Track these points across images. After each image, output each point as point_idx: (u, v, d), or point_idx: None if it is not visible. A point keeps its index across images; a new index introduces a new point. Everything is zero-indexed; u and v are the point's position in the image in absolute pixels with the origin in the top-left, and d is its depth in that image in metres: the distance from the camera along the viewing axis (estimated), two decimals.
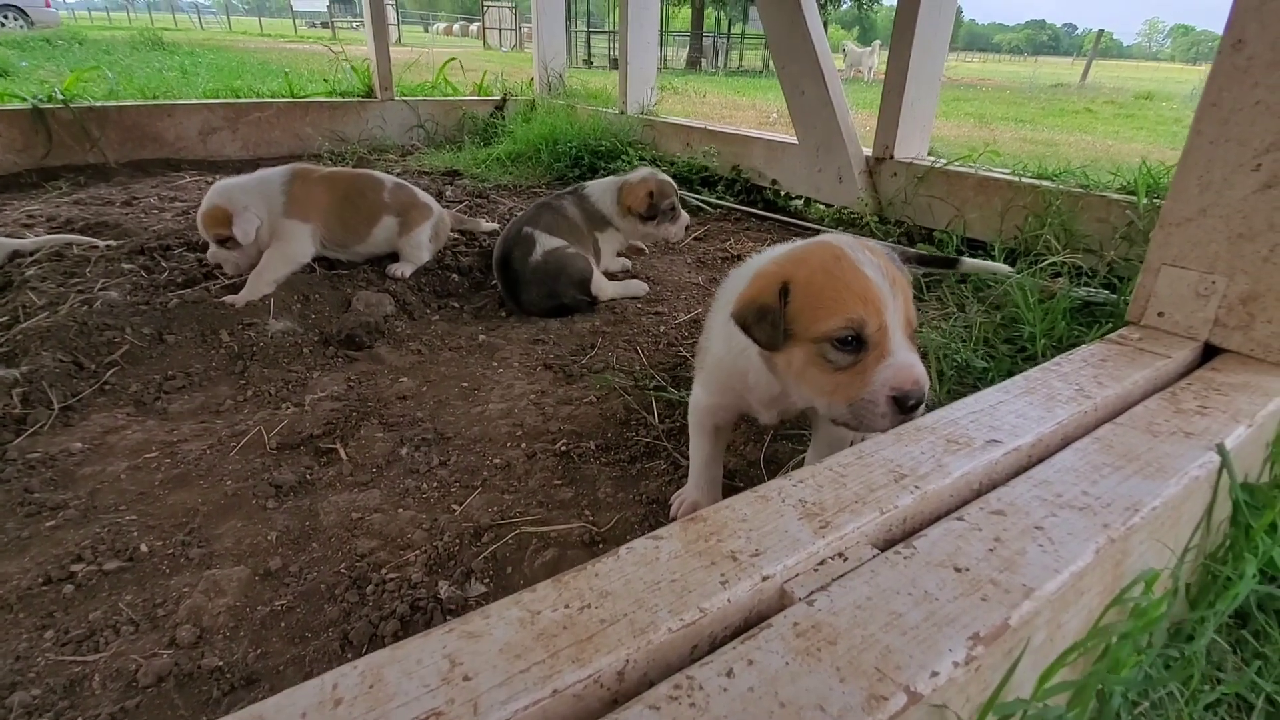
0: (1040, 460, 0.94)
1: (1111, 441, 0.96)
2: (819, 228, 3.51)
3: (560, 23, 6.48)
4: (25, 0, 20.17)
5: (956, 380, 2.14)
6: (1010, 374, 2.06)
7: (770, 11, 3.49)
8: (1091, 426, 1.02)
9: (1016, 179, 2.85)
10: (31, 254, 2.93)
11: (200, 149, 5.30)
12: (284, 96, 5.76)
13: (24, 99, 4.71)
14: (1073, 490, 0.83)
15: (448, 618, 1.36)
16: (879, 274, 1.11)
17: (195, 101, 5.35)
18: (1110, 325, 1.99)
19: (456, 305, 2.80)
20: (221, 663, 1.25)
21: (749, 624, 0.67)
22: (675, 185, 3.01)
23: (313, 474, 1.77)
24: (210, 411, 2.04)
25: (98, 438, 1.88)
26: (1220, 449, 0.94)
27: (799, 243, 1.33)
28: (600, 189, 3.00)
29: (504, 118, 6.14)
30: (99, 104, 4.95)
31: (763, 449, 1.88)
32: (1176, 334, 1.33)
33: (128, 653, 1.26)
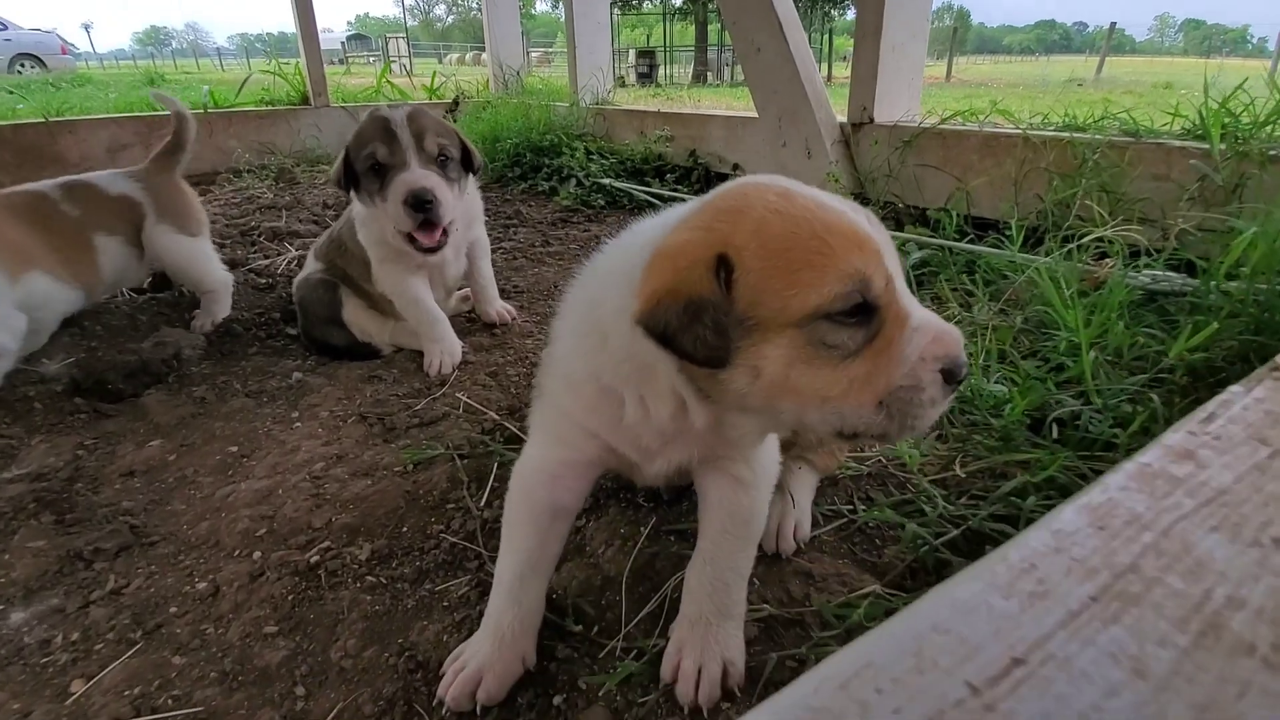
0: None
1: None
2: None
3: (515, 18, 5.89)
4: (42, 49, 20.43)
5: (959, 414, 1.40)
6: (1045, 408, 1.32)
7: None
8: None
9: (1035, 134, 2.11)
10: None
11: (108, 166, 4.75)
12: (204, 108, 5.21)
13: None
14: None
15: None
16: (845, 205, 0.78)
17: (101, 117, 4.83)
18: (1204, 324, 1.23)
19: (293, 332, 2.12)
20: None
21: None
22: (408, 122, 1.68)
23: None
24: None
25: None
26: None
27: (709, 195, 0.85)
28: None
29: (455, 120, 5.53)
30: None
31: (632, 554, 1.15)
32: None
33: None
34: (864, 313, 0.74)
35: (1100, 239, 1.69)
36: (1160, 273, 1.54)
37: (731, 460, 0.95)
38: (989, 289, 1.81)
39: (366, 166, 1.68)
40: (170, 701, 0.93)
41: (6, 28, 20.02)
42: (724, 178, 3.32)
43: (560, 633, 1.02)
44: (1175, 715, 0.25)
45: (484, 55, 6.40)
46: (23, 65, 20.54)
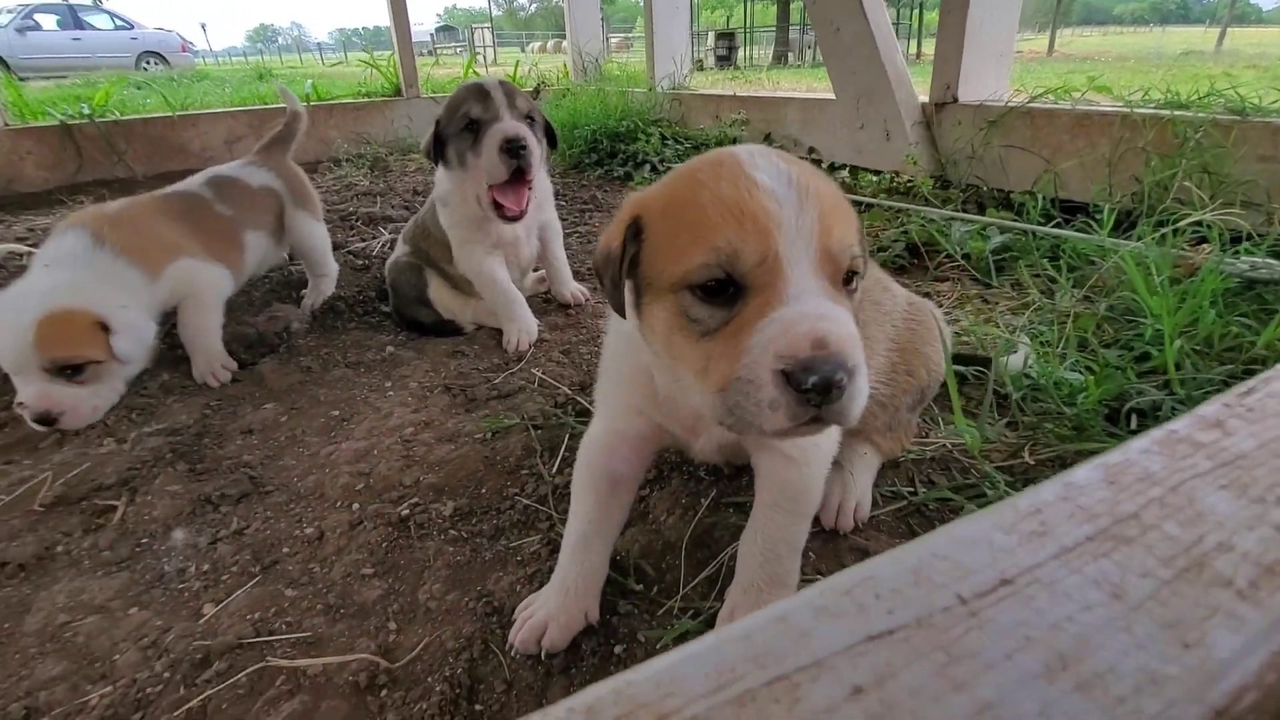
0: None
1: None
2: (871, 200, 2.74)
3: (595, 5, 5.96)
4: (165, 47, 22.12)
5: (1031, 401, 1.37)
6: (1123, 398, 1.28)
7: None
8: None
9: (1133, 111, 1.99)
10: None
11: (226, 157, 5.13)
12: (310, 100, 5.58)
13: (55, 116, 4.71)
14: None
15: None
16: (776, 179, 0.71)
17: (219, 110, 5.25)
18: None
19: (387, 310, 2.29)
20: None
21: None
22: (500, 85, 1.82)
23: (66, 545, 1.28)
24: (24, 449, 1.61)
25: None
26: None
27: None
28: None
29: None
30: (125, 118, 4.92)
31: (692, 522, 1.21)
32: None
33: None
34: (731, 289, 0.71)
35: (1198, 223, 1.60)
36: (1260, 259, 1.45)
37: None
38: (1073, 275, 1.74)
39: (460, 126, 1.80)
40: (284, 626, 1.07)
41: (133, 27, 21.72)
42: None
43: (623, 590, 1.10)
44: (1141, 629, 0.29)
45: (565, 43, 6.55)
46: (148, 62, 22.29)
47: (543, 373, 1.78)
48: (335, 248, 2.85)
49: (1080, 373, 1.37)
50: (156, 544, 1.27)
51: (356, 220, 3.30)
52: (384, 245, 2.91)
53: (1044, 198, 2.11)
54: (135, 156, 4.84)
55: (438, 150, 1.90)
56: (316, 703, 0.94)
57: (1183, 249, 1.56)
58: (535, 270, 2.33)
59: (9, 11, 19.22)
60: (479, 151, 1.78)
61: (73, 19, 20.57)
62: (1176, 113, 1.89)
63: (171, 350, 2.00)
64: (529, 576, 1.13)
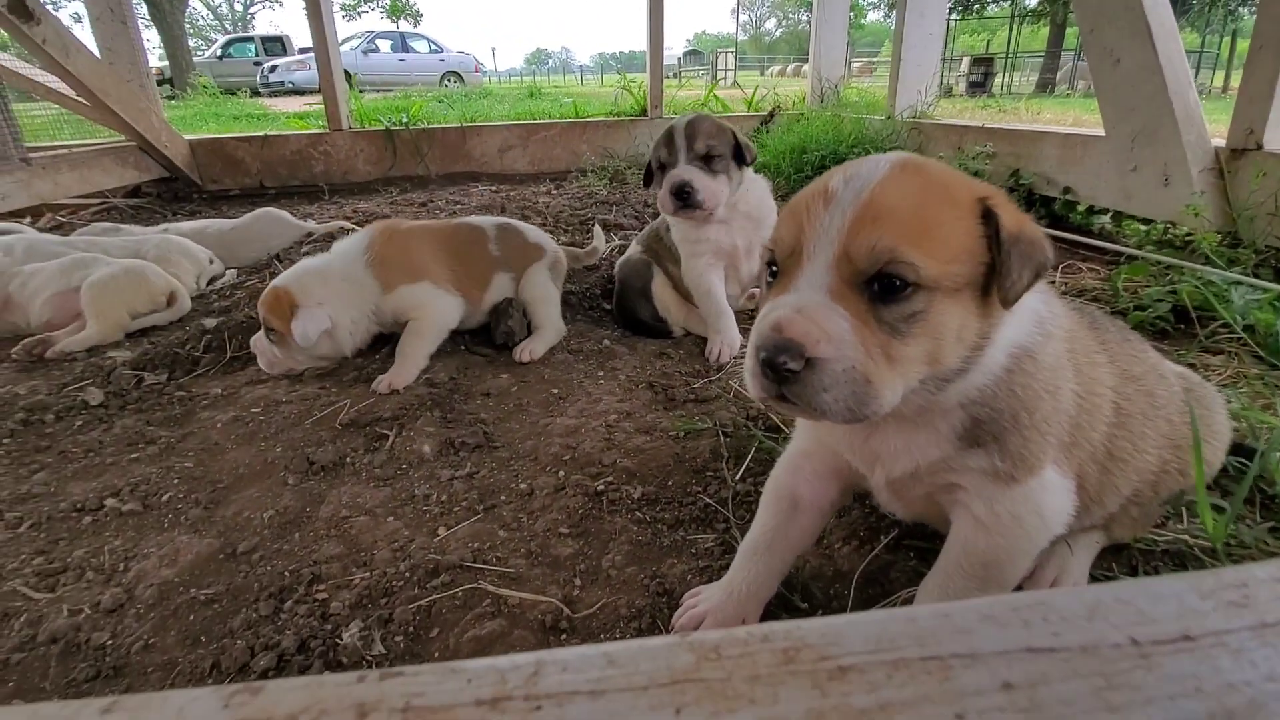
0: None
1: None
2: (1134, 251, 2.41)
3: (841, 33, 5.91)
4: (463, 68, 25.93)
5: None
6: None
7: None
8: None
9: None
10: (312, 236, 3.49)
11: (497, 164, 6.01)
12: (568, 118, 6.25)
13: (382, 123, 5.82)
14: None
15: (328, 669, 1.05)
16: (844, 183, 0.78)
17: (498, 123, 6.09)
18: None
19: (608, 307, 2.54)
20: (110, 641, 1.12)
21: None
22: (685, 128, 2.06)
23: (352, 458, 1.64)
24: (334, 380, 2.07)
25: (235, 387, 2.03)
26: None
27: None
28: None
29: (768, 130, 5.80)
30: (429, 126, 5.92)
31: (866, 557, 1.20)
32: None
33: (64, 601, 1.21)
34: (777, 272, 0.82)
35: None
36: None
37: (969, 494, 0.91)
38: None
39: (656, 166, 2.15)
40: (494, 560, 1.27)
41: (442, 51, 25.70)
42: (1049, 201, 3.02)
43: (787, 605, 1.13)
44: None
45: (804, 67, 6.59)
46: (449, 80, 26.17)
47: (739, 384, 1.86)
48: (570, 245, 3.20)
49: None
50: (412, 471, 1.57)
51: (592, 225, 3.66)
52: (613, 250, 3.20)
53: None
54: (432, 158, 5.80)
55: (649, 178, 2.25)
56: (511, 629, 1.11)
57: None
58: (756, 288, 2.43)
59: (359, 36, 23.91)
60: (659, 190, 2.12)
61: (402, 44, 24.94)
62: None
63: None
64: (700, 569, 1.21)
